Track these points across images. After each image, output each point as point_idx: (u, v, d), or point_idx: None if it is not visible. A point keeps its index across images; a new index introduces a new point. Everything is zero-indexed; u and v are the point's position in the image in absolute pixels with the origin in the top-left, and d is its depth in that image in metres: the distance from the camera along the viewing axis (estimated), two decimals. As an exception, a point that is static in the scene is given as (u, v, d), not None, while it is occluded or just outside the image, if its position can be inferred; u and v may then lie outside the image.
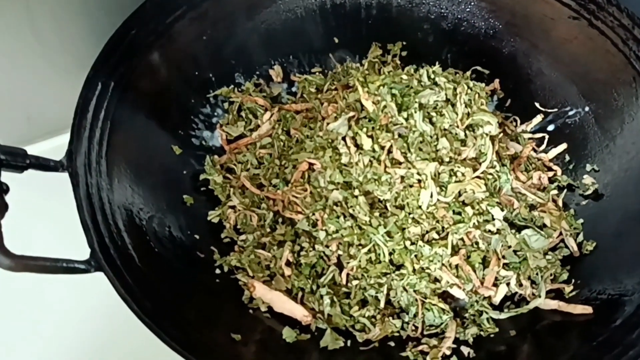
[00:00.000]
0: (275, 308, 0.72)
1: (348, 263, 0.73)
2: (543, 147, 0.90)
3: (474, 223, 0.71)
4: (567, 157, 0.88)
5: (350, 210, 0.73)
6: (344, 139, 0.76)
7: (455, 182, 0.71)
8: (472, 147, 0.72)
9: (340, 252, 0.75)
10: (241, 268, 0.76)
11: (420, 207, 0.71)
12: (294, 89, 1.00)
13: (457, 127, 0.72)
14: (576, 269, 0.76)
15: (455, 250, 0.72)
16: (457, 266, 0.72)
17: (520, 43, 0.93)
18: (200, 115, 0.92)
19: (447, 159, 0.72)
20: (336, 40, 1.01)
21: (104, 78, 0.74)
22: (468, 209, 0.70)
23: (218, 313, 0.69)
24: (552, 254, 0.77)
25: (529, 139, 0.91)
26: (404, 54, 0.98)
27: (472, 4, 0.95)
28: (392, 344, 0.71)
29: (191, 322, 0.63)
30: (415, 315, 0.72)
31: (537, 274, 0.73)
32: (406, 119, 0.73)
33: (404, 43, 0.99)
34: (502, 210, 0.72)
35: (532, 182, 0.83)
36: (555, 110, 0.91)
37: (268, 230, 0.79)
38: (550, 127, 0.92)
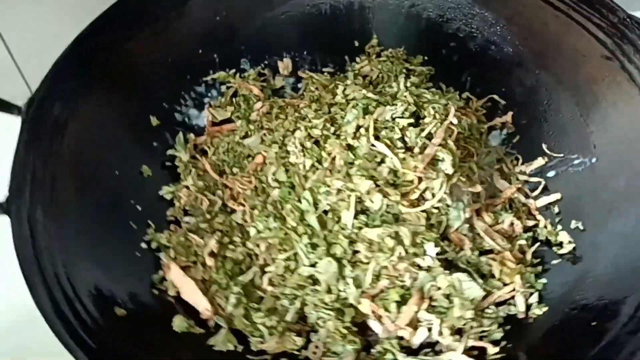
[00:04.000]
0: (183, 295, 0.70)
1: (269, 266, 0.69)
2: (536, 192, 0.81)
3: (399, 254, 0.64)
4: (557, 209, 0.78)
5: (283, 212, 0.69)
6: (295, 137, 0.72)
7: (387, 208, 0.64)
8: (423, 181, 0.65)
9: (265, 255, 0.71)
10: (168, 247, 0.74)
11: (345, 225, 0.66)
12: (300, 85, 0.96)
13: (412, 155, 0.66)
14: (517, 332, 0.67)
15: (377, 279, 0.66)
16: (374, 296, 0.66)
17: (544, 76, 0.84)
18: (192, 93, 0.92)
19: (385, 181, 0.65)
20: (356, 43, 0.96)
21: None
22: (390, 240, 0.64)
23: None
24: (495, 309, 0.68)
25: (525, 181, 0.82)
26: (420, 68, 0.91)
27: (505, 27, 0.87)
28: (284, 360, 0.66)
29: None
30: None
31: (463, 324, 0.65)
32: (356, 131, 0.68)
33: (426, 58, 0.93)
34: (437, 246, 0.64)
35: (502, 227, 0.74)
36: (561, 156, 0.81)
37: (212, 217, 0.77)
38: (550, 174, 0.82)
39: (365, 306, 0.64)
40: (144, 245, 0.75)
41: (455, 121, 0.67)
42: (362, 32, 0.97)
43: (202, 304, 0.69)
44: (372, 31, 0.96)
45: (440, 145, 0.65)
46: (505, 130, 0.89)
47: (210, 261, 0.73)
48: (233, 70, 0.93)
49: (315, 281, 0.68)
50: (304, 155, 0.70)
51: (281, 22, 0.93)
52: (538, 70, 0.85)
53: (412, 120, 0.67)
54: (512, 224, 0.74)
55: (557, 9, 0.82)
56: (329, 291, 0.67)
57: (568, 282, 0.69)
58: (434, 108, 0.68)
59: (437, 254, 0.66)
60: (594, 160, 0.77)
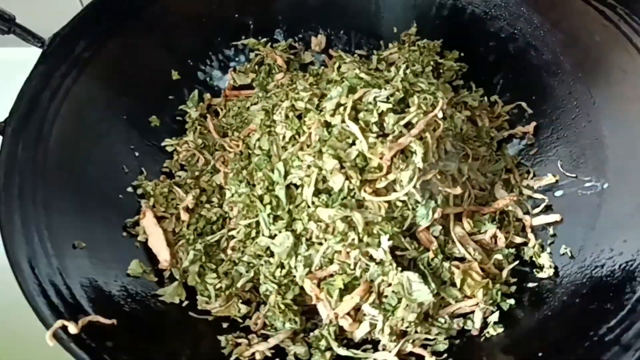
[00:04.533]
0: (149, 242, 0.72)
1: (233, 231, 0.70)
2: (537, 210, 0.75)
3: (351, 241, 0.62)
4: (552, 231, 0.72)
5: (255, 180, 0.69)
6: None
7: (348, 190, 0.62)
8: (392, 172, 0.62)
9: (235, 220, 0.72)
10: (151, 196, 0.76)
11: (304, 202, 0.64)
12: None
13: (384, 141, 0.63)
14: (465, 348, 0.63)
15: (330, 262, 0.64)
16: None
17: (578, 90, 0.78)
18: (219, 55, 0.94)
19: (352, 164, 0.63)
20: (395, 30, 0.94)
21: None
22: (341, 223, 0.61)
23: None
24: (449, 320, 0.64)
25: (528, 197, 0.76)
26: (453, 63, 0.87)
27: (549, 32, 0.81)
28: (225, 325, 0.66)
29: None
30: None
31: (406, 327, 0.62)
32: (336, 109, 0.66)
33: (462, 54, 0.89)
34: (392, 240, 0.61)
35: (482, 238, 0.69)
36: (574, 176, 0.75)
37: (200, 174, 0.78)
38: (558, 193, 0.76)
39: (307, 286, 0.63)
40: (130, 189, 0.77)
41: (440, 115, 0.63)
42: (403, 19, 0.93)
43: (163, 254, 0.70)
44: (413, 19, 0.92)
45: (417, 137, 0.61)
46: (525, 140, 0.82)
47: (184, 216, 0.74)
48: (265, 39, 0.93)
49: (271, 253, 0.67)
50: (286, 127, 0.69)
51: (328, -4, 0.91)
52: (573, 82, 0.78)
53: (391, 106, 0.64)
54: (495, 236, 0.69)
55: (607, 19, 0.75)
56: (280, 266, 0.66)
57: (535, 312, 0.63)
58: (420, 97, 0.64)
59: (396, 249, 0.63)
60: (605, 185, 0.70)
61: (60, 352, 0.57)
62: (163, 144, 0.84)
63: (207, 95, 0.90)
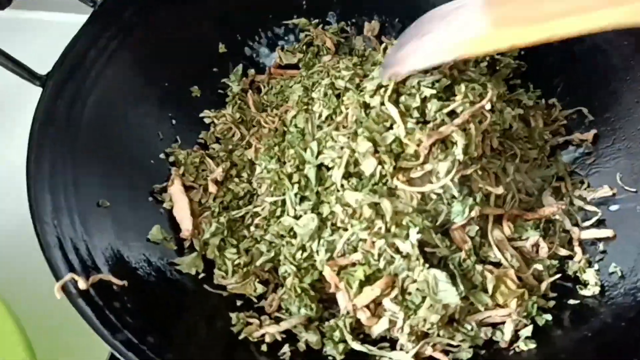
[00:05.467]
0: (174, 211, 0.70)
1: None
2: (588, 223, 0.69)
3: (378, 229, 0.58)
4: (602, 247, 0.66)
5: (285, 157, 0.66)
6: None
7: (380, 176, 0.58)
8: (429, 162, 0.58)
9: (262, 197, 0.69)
10: (182, 164, 0.75)
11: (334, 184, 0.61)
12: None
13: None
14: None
15: (354, 250, 0.60)
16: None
17: None
18: (269, 32, 0.92)
19: (387, 149, 0.59)
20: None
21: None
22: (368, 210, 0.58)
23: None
24: (475, 327, 0.59)
25: (580, 208, 0.70)
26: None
27: (621, 34, 0.75)
28: (239, 302, 0.64)
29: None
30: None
31: (428, 329, 0.57)
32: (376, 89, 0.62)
33: (522, 52, 0.83)
34: (421, 234, 0.57)
35: (523, 245, 0.64)
36: (634, 191, 0.68)
37: (234, 148, 0.76)
38: (614, 207, 0.70)
39: (327, 273, 0.59)
40: (162, 156, 0.76)
41: (488, 106, 0.58)
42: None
43: (185, 224, 0.69)
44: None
45: (461, 127, 0.57)
46: (582, 149, 0.76)
47: (212, 188, 0.72)
48: (317, 21, 0.90)
49: (294, 234, 0.64)
50: (323, 105, 0.66)
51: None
52: (642, 88, 0.71)
53: (435, 92, 0.59)
54: (537, 245, 0.63)
55: (690, 21, 0.67)
56: (302, 248, 0.62)
57: (572, 332, 0.57)
58: (468, 87, 0.59)
59: (425, 245, 0.59)
60: (669, 204, 0.63)
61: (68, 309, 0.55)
62: (201, 115, 0.82)
63: (252, 71, 0.88)
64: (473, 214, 0.59)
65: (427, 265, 0.57)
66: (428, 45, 0.60)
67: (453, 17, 0.58)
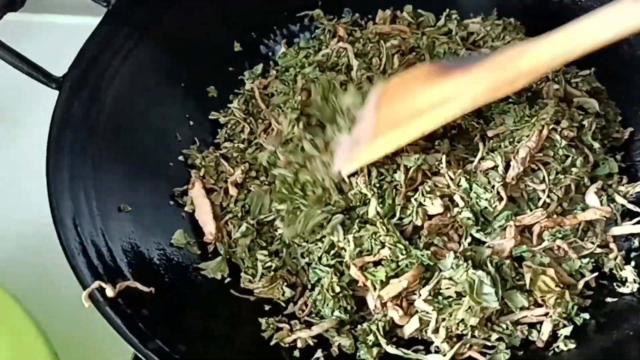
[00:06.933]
0: (196, 214, 0.69)
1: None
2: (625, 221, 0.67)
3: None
4: (637, 243, 0.64)
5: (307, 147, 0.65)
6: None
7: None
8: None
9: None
10: (202, 167, 0.73)
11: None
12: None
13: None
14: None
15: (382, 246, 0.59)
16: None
17: None
18: (284, 30, 0.90)
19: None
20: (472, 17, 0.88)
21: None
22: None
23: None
24: (511, 326, 0.58)
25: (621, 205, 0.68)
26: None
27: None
28: (267, 307, 0.62)
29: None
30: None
31: (462, 330, 0.56)
32: None
33: None
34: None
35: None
36: (668, 186, 0.66)
37: (246, 147, 0.75)
38: (647, 202, 0.67)
39: (354, 271, 0.58)
40: (181, 158, 0.74)
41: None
42: (482, 6, 0.86)
43: (209, 227, 0.67)
44: (493, 6, 0.86)
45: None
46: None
47: (233, 191, 0.70)
48: (332, 16, 0.89)
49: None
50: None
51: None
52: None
53: None
54: (558, 248, 0.62)
55: None
56: (331, 246, 0.61)
57: (612, 331, 0.56)
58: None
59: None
60: None
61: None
62: (210, 116, 0.80)
63: (273, 73, 0.85)
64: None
65: (470, 264, 0.55)
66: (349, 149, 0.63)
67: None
